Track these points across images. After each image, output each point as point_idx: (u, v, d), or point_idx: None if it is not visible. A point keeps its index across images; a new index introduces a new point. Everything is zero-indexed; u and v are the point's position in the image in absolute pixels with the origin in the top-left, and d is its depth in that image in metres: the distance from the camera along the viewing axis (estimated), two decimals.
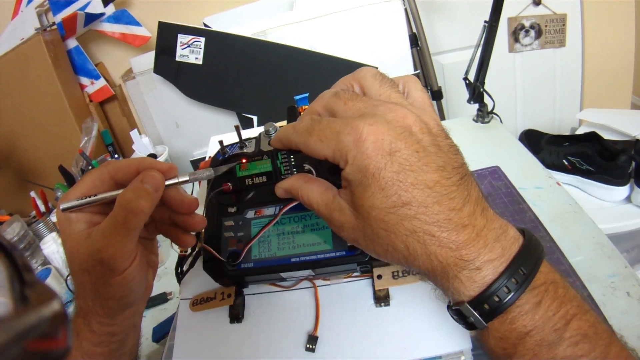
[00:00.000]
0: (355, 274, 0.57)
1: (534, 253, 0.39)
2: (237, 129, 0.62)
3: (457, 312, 0.40)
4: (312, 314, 0.57)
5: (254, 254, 0.54)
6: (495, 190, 0.96)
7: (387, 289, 0.55)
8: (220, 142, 0.63)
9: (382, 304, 0.55)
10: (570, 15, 1.92)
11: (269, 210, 0.55)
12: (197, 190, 0.73)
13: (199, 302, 0.60)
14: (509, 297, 0.36)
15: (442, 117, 1.75)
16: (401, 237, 0.38)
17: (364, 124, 0.38)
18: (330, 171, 0.48)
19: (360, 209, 0.39)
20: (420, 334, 0.53)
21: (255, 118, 1.51)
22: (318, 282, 0.58)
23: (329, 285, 0.58)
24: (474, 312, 0.38)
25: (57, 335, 0.23)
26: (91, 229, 0.46)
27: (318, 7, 1.47)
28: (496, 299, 0.37)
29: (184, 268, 0.66)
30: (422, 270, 0.39)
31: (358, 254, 0.51)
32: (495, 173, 1.01)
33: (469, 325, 0.40)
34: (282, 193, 0.49)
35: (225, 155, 0.62)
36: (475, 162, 0.98)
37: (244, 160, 0.56)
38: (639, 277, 0.74)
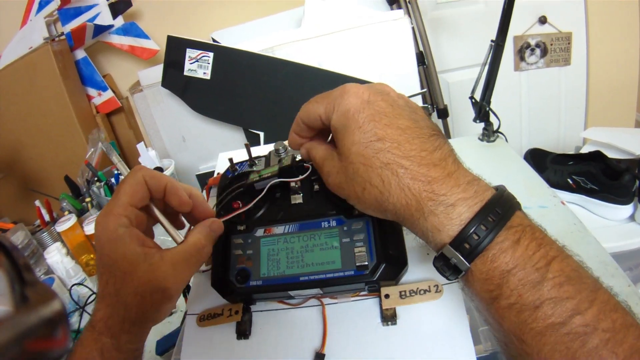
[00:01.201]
0: (362, 292, 0.58)
1: (508, 200, 0.41)
2: (247, 147, 0.63)
3: (441, 257, 0.42)
4: (319, 331, 0.57)
5: (263, 272, 0.54)
6: None
7: (394, 308, 0.55)
8: (230, 160, 0.64)
9: (389, 323, 0.55)
10: (575, 33, 1.94)
11: (278, 229, 0.56)
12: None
13: (206, 318, 0.61)
14: (487, 234, 0.39)
15: (448, 136, 1.75)
16: (376, 170, 0.42)
17: (350, 85, 0.46)
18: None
19: (343, 149, 0.45)
20: (426, 353, 0.53)
21: (261, 134, 1.51)
22: (325, 300, 0.59)
23: (336, 303, 0.58)
24: (456, 253, 0.40)
25: (57, 335, 0.24)
26: (148, 251, 0.46)
27: (326, 25, 1.48)
28: (475, 236, 0.39)
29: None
30: (398, 208, 0.42)
31: (367, 273, 0.51)
32: None
33: (453, 270, 0.42)
34: (305, 153, 0.54)
35: (235, 173, 0.63)
36: None
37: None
38: None
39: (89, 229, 1.40)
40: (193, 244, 0.49)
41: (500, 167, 1.12)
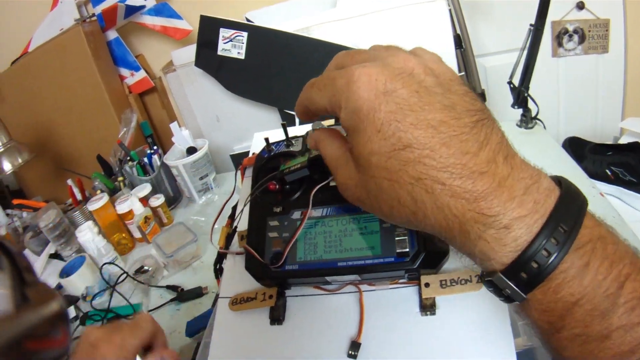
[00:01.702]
0: (401, 280, 0.56)
1: (574, 205, 0.33)
2: (283, 126, 0.61)
3: (490, 283, 0.34)
4: (355, 319, 0.55)
5: (299, 255, 0.52)
6: None
7: (434, 297, 0.53)
8: (266, 140, 0.62)
9: (428, 312, 0.53)
10: (613, 20, 1.88)
11: (316, 212, 0.54)
12: (238, 185, 0.72)
13: (239, 302, 0.59)
14: (550, 261, 0.31)
15: None
16: (406, 186, 0.33)
17: (358, 66, 0.35)
18: None
19: (360, 159, 0.36)
20: (465, 345, 0.51)
21: None
22: (363, 287, 0.57)
23: (373, 290, 0.56)
24: (510, 284, 0.33)
25: (57, 335, 0.24)
26: None
27: (362, 5, 1.44)
28: (534, 265, 0.31)
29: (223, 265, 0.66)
30: (436, 229, 0.34)
31: (407, 260, 0.49)
32: None
33: (506, 298, 0.34)
34: (312, 144, 0.46)
35: (270, 153, 0.61)
36: None
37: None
38: None
39: (121, 208, 1.41)
40: None
41: (539, 155, 1.07)
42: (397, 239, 0.50)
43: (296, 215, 0.54)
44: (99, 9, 1.71)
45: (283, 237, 0.54)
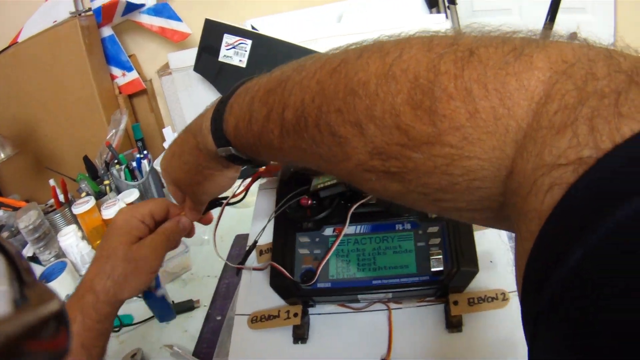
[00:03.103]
0: (428, 298, 0.55)
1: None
2: None
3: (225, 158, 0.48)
4: (382, 337, 0.54)
5: (332, 273, 0.52)
6: None
7: (461, 315, 0.53)
8: None
9: (455, 330, 0.53)
10: None
11: (350, 229, 0.53)
12: (254, 198, 0.70)
13: (259, 320, 0.57)
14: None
15: None
16: None
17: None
18: None
19: None
20: None
21: None
22: (391, 305, 0.56)
23: (401, 308, 0.56)
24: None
25: (57, 335, 0.24)
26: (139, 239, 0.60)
27: (366, 22, 1.45)
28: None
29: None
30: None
31: (442, 279, 0.50)
32: None
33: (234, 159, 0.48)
34: None
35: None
36: None
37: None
38: None
39: (108, 213, 1.36)
40: (162, 233, 0.60)
41: None
42: (432, 257, 0.50)
43: (328, 231, 0.54)
44: (97, 3, 1.67)
45: (314, 253, 0.53)
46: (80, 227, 1.36)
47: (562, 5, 1.86)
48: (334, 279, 0.51)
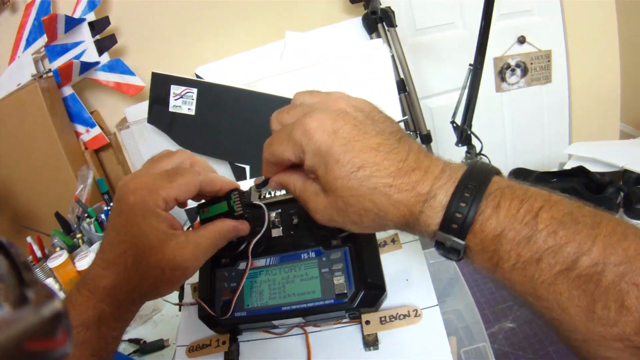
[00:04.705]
0: (344, 320, 0.60)
1: (482, 171, 0.42)
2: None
3: (438, 245, 0.43)
4: (304, 359, 0.59)
5: (247, 303, 0.57)
6: None
7: (376, 333, 0.57)
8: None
9: (372, 348, 0.57)
10: (555, 51, 1.98)
11: (260, 262, 0.59)
12: None
13: (195, 349, 0.63)
14: (468, 209, 0.40)
15: None
16: (367, 196, 0.42)
17: (305, 118, 0.44)
18: (316, 225, 0.51)
19: (327, 186, 0.44)
20: None
21: (247, 167, 1.53)
22: (309, 328, 0.61)
23: (319, 331, 0.61)
24: (447, 236, 0.41)
25: (57, 335, 0.24)
26: (176, 232, 0.50)
27: (306, 57, 1.50)
28: (458, 215, 0.40)
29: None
30: (396, 222, 0.44)
31: (346, 301, 0.54)
32: None
33: (453, 252, 0.42)
34: (276, 185, 0.53)
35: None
36: None
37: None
38: None
39: (81, 264, 1.40)
40: (215, 231, 0.53)
41: None
42: (335, 282, 0.55)
43: (242, 265, 0.59)
44: (55, 65, 1.74)
45: (231, 286, 0.58)
46: (57, 280, 1.40)
47: (508, 9, 1.93)
48: (249, 308, 0.56)
